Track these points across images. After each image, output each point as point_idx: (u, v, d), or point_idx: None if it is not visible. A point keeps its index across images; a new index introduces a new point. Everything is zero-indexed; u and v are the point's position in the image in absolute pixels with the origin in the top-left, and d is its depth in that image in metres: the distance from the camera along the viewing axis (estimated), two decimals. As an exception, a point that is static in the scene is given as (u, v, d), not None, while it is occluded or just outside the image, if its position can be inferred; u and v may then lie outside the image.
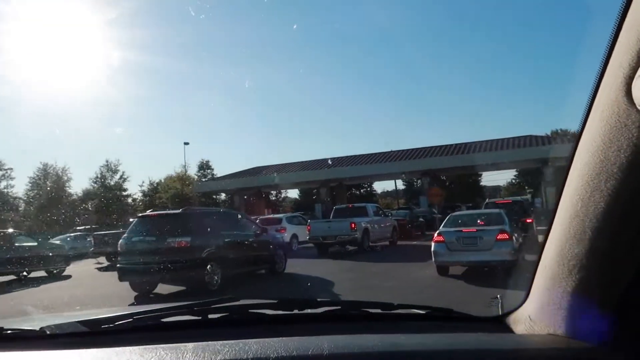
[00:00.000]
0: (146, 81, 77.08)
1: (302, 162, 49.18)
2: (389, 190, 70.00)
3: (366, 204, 21.37)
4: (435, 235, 10.50)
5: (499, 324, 1.53)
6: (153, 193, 54.14)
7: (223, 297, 1.66)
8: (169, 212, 11.86)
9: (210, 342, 1.22)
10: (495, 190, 79.45)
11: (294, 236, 20.69)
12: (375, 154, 45.49)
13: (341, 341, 1.25)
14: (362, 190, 65.43)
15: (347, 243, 17.85)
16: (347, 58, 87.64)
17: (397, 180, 62.73)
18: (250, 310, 1.53)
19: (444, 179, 63.73)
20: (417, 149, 43.96)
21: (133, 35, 56.07)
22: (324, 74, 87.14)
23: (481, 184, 74.76)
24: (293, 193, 66.43)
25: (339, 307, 1.64)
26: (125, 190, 53.13)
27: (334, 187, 47.50)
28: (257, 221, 21.75)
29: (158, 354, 1.14)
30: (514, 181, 64.28)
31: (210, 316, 1.49)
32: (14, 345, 1.32)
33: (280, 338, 1.24)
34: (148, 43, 58.98)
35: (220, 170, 65.39)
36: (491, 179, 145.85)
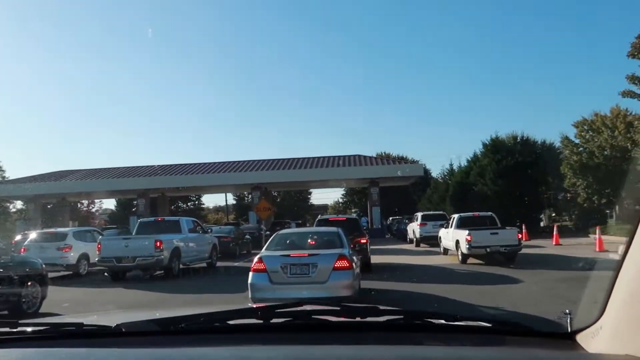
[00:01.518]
0: None
1: (118, 168, 43.15)
2: (222, 204, 66.27)
3: (181, 217, 17.93)
4: (255, 260, 7.83)
5: (569, 340, 1.42)
6: None
7: (287, 303, 1.62)
8: None
9: (274, 346, 1.24)
10: (324, 208, 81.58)
11: (84, 256, 16.18)
12: (204, 163, 41.94)
13: (406, 352, 1.25)
14: (189, 204, 60.61)
15: (150, 267, 14.22)
16: (168, 61, 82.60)
17: (227, 194, 59.81)
18: (313, 317, 1.51)
19: (275, 195, 62.68)
20: (248, 161, 41.67)
21: None
22: (146, 75, 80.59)
23: (310, 202, 76.12)
24: (110, 204, 58.61)
25: (402, 317, 1.55)
26: None
27: (156, 199, 42.53)
28: (31, 237, 16.91)
29: (225, 355, 1.16)
30: (341, 200, 65.88)
31: (273, 321, 1.46)
32: (91, 341, 1.34)
33: (344, 346, 1.25)
34: None
35: (14, 173, 54.84)
36: (319, 197, 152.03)
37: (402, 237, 29.02)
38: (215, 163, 42.06)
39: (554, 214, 45.32)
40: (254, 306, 1.55)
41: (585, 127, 30.33)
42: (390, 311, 1.57)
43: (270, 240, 8.88)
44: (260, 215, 22.62)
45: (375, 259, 16.21)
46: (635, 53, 13.11)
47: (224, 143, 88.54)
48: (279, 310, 1.53)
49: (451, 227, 16.40)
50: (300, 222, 44.88)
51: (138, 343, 1.32)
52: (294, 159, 40.52)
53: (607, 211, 30.96)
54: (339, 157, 39.32)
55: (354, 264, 7.55)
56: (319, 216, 18.35)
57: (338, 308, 1.58)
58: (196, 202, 61.84)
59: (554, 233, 21.44)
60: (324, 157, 39.75)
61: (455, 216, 16.75)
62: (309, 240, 8.43)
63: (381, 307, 1.58)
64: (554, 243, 20.77)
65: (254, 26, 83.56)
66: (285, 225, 31.31)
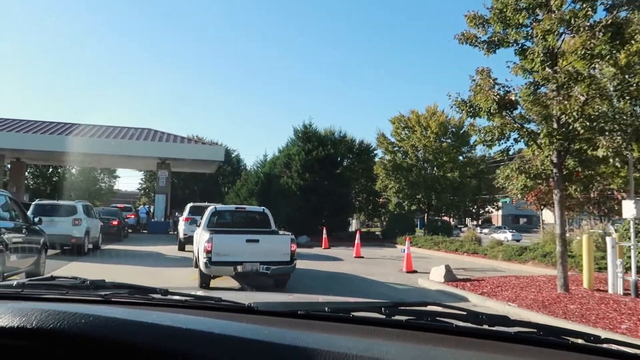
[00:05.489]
0: None
1: None
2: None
3: None
4: None
5: None
6: None
7: (410, 302, 1.58)
8: None
9: (396, 342, 1.20)
10: (135, 196, 70.23)
11: None
12: None
13: None
14: None
15: None
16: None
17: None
18: (438, 318, 1.38)
19: (52, 171, 50.64)
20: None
21: None
22: None
23: (115, 187, 65.02)
24: None
25: (535, 330, 1.36)
26: None
27: None
28: None
29: (350, 345, 1.13)
30: (139, 186, 56.28)
31: (395, 317, 1.40)
32: (227, 314, 1.44)
33: (470, 352, 1.18)
34: None
35: None
36: (129, 182, 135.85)
37: (181, 234, 22.34)
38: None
39: (366, 219, 43.30)
40: (377, 301, 1.46)
41: (402, 124, 27.42)
42: (522, 323, 1.40)
43: None
44: None
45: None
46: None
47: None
48: (402, 308, 1.46)
49: (200, 225, 10.29)
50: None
51: (269, 322, 1.34)
52: (61, 123, 30.89)
53: (417, 220, 28.63)
54: (123, 128, 31.04)
55: None
56: None
57: (464, 313, 1.40)
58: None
59: (356, 242, 16.94)
60: (101, 126, 30.97)
61: (209, 208, 10.65)
62: None
63: (512, 318, 1.39)
64: (354, 255, 16.23)
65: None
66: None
